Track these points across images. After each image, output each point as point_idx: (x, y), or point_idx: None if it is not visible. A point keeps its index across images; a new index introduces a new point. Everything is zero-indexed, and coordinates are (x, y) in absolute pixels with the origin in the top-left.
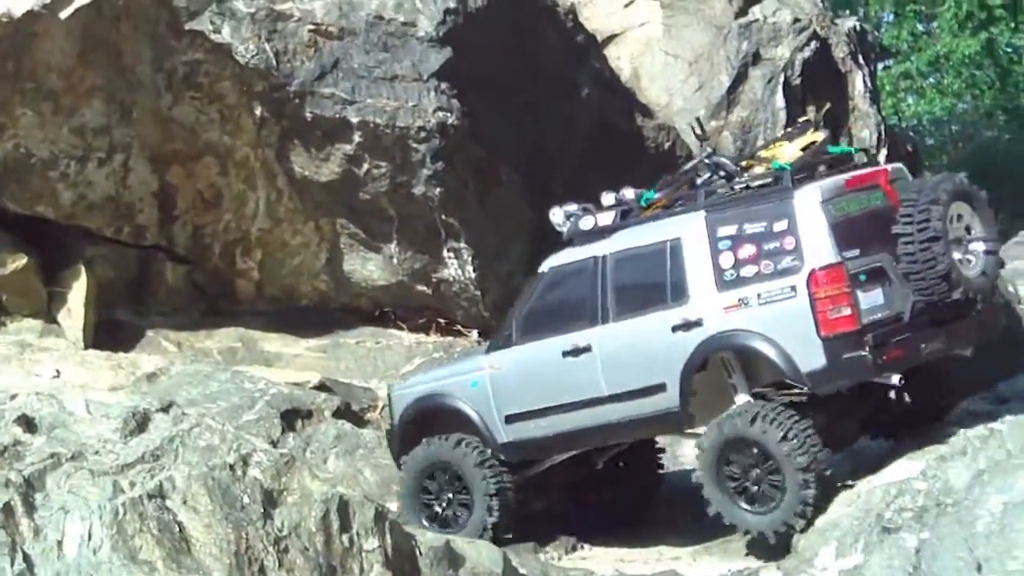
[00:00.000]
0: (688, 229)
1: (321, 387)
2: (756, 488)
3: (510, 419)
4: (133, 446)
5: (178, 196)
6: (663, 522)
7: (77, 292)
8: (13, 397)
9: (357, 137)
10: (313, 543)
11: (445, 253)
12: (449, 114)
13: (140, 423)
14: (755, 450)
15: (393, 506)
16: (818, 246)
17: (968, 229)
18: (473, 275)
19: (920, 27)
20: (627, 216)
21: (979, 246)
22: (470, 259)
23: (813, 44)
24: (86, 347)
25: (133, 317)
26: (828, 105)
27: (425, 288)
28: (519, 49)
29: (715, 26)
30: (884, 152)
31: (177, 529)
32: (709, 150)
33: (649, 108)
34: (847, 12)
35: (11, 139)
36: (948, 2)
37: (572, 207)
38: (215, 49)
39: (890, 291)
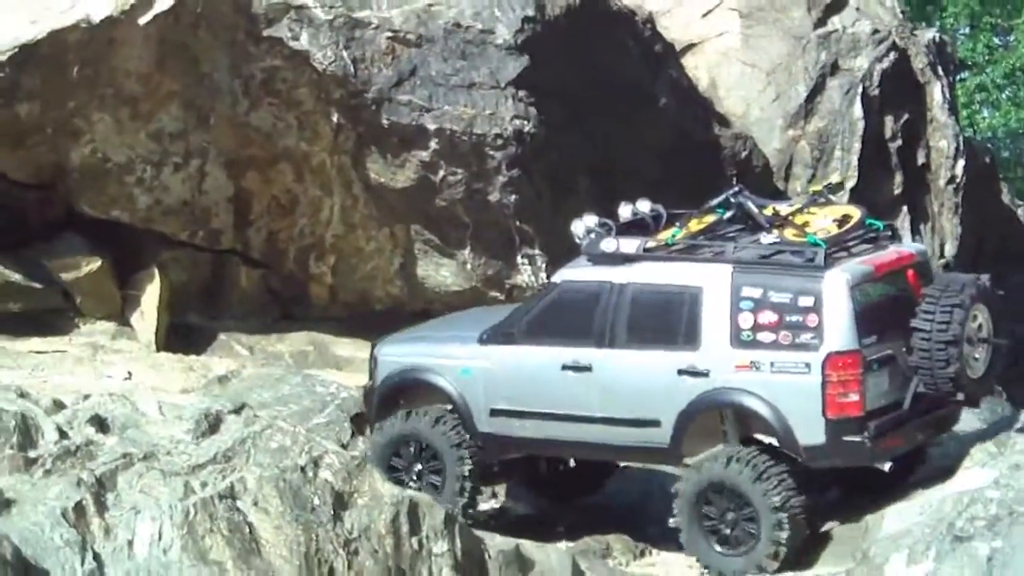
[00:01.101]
0: (713, 280)
1: None
2: (731, 531)
3: (495, 413)
4: (205, 447)
5: (253, 201)
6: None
7: (150, 295)
8: (86, 398)
9: (433, 144)
10: (383, 546)
11: (519, 259)
12: (526, 122)
13: (212, 425)
14: (731, 493)
15: None
16: (840, 330)
17: (980, 328)
18: (546, 281)
19: (996, 40)
20: (643, 231)
21: (986, 348)
22: (543, 266)
23: (892, 55)
24: (158, 349)
25: (205, 320)
26: (841, 179)
27: (498, 294)
28: (596, 57)
29: (793, 36)
30: (962, 163)
31: (247, 530)
32: (737, 187)
33: (726, 118)
34: (923, 24)
35: (88, 144)
36: None
37: (593, 221)
38: (293, 56)
39: (896, 379)
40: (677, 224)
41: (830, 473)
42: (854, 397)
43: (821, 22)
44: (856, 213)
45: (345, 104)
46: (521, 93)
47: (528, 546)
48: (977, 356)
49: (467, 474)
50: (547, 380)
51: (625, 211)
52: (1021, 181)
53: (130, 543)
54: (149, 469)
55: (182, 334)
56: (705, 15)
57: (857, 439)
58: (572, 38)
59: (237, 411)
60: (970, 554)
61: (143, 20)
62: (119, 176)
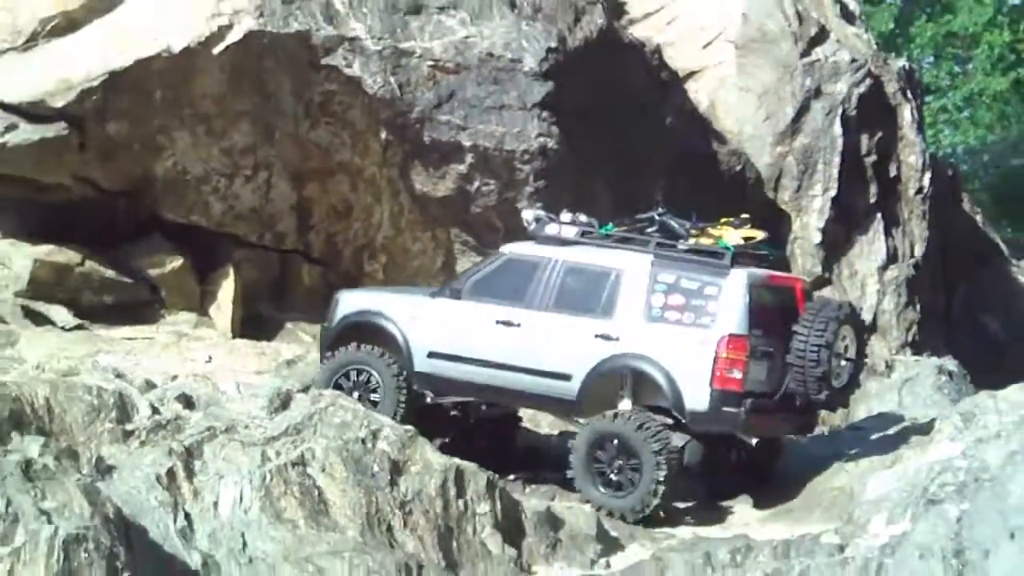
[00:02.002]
0: (634, 264)
1: None
2: (618, 476)
3: (432, 355)
4: (278, 421)
5: (314, 208)
6: (734, 492)
7: (226, 290)
8: (174, 378)
9: (469, 159)
10: (433, 507)
11: None
12: (549, 139)
13: (283, 402)
14: (617, 442)
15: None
16: (734, 318)
17: (846, 348)
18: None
19: (956, 67)
20: (581, 235)
21: (849, 365)
22: None
23: (868, 81)
24: (234, 337)
25: (274, 312)
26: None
27: None
28: (611, 82)
29: (782, 65)
30: (928, 175)
31: (316, 493)
32: (662, 209)
33: (723, 136)
34: (893, 54)
35: (170, 158)
36: (982, 45)
37: (541, 213)
38: (347, 81)
39: (772, 372)
40: (609, 223)
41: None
42: (737, 375)
43: (806, 52)
44: (760, 235)
45: (393, 123)
46: (545, 114)
47: (557, 507)
48: (840, 369)
49: (402, 400)
50: (481, 332)
51: (566, 216)
52: (979, 192)
53: (215, 504)
54: (230, 440)
55: (254, 323)
56: (705, 46)
57: (734, 410)
58: (590, 66)
59: (304, 390)
60: (941, 515)
61: (217, 50)
62: (197, 186)
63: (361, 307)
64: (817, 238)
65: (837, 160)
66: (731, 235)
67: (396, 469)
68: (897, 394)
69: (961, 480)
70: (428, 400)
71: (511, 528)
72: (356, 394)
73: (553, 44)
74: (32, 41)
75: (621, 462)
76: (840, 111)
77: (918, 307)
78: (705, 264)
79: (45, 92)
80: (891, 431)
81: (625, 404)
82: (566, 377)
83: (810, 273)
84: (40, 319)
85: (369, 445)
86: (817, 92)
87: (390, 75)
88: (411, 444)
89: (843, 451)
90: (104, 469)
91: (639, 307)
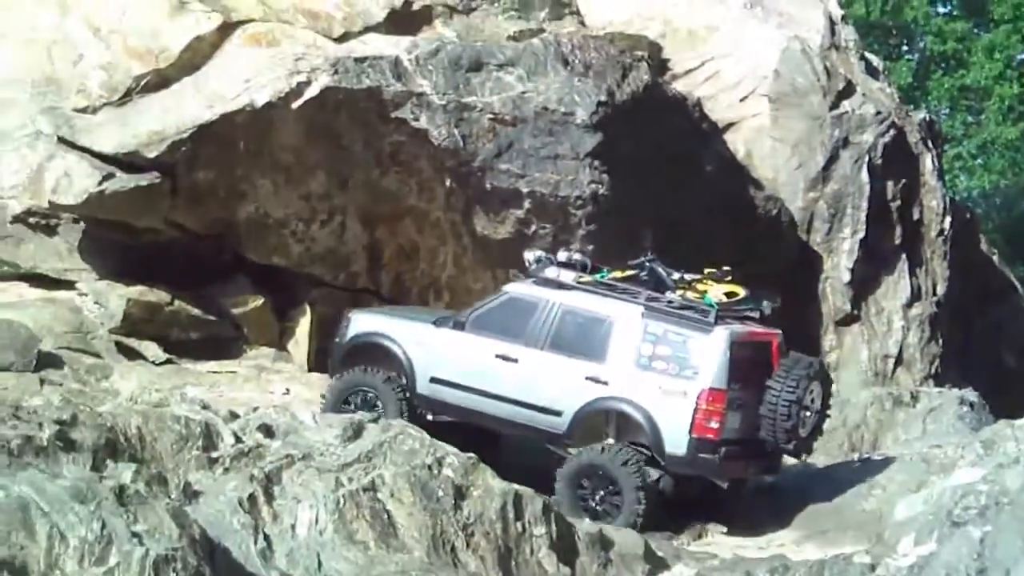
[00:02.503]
0: (626, 314)
1: None
2: (600, 505)
3: (433, 380)
4: (350, 449)
5: (384, 249)
6: (772, 514)
7: (303, 326)
8: (255, 409)
9: (527, 204)
10: (494, 529)
11: None
12: (600, 186)
13: (356, 431)
14: (602, 474)
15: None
16: (715, 372)
17: (813, 401)
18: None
19: (970, 118)
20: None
21: (815, 416)
22: None
23: (892, 132)
24: (310, 370)
25: None
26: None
27: None
28: (656, 133)
29: (812, 117)
30: (948, 219)
31: (386, 516)
32: (652, 256)
33: (759, 182)
34: (912, 107)
35: (252, 203)
36: (994, 98)
37: (540, 254)
38: (415, 133)
39: (745, 421)
40: (605, 270)
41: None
42: (715, 424)
43: (835, 105)
44: (742, 291)
45: (456, 171)
46: (596, 163)
47: (608, 529)
48: (807, 419)
49: (402, 411)
50: (481, 363)
51: (563, 255)
52: (992, 233)
53: (293, 527)
54: (307, 467)
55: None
56: (742, 100)
57: (710, 457)
58: (636, 118)
59: (375, 420)
60: (965, 537)
61: (295, 105)
62: (277, 229)
63: (372, 329)
64: (846, 277)
65: (865, 205)
66: (715, 290)
67: (459, 494)
68: (922, 423)
69: (983, 503)
70: (428, 418)
71: (565, 548)
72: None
73: (603, 98)
74: (127, 97)
75: (603, 492)
76: (867, 159)
77: (940, 341)
78: (691, 320)
79: (139, 144)
80: (917, 458)
81: (610, 441)
82: (557, 413)
83: (840, 310)
84: (132, 354)
85: (435, 471)
86: (845, 142)
87: (454, 127)
88: (473, 470)
89: (872, 477)
90: (191, 494)
91: (629, 355)
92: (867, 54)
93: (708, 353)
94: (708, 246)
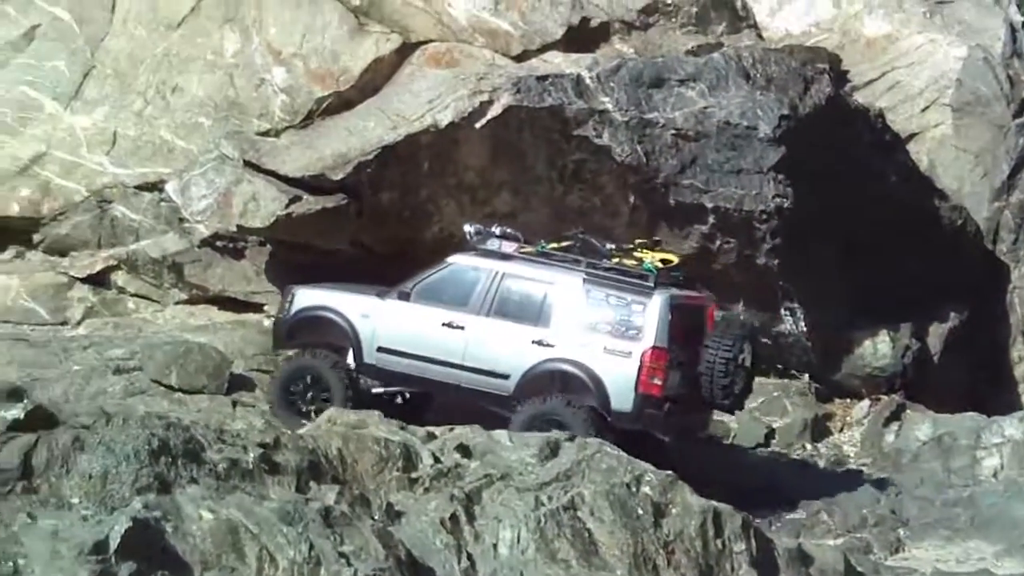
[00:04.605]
0: (568, 281)
1: None
2: None
3: (381, 350)
4: (548, 468)
5: None
6: (967, 524)
7: None
8: (451, 429)
9: (711, 219)
10: (693, 546)
11: (782, 311)
12: (784, 200)
13: (553, 450)
14: (554, 421)
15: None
16: (656, 333)
17: (744, 360)
18: (805, 329)
19: None
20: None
21: (745, 374)
22: (802, 316)
23: None
24: None
25: None
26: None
27: (765, 340)
28: (838, 145)
29: (996, 125)
30: None
31: (587, 535)
32: (582, 230)
33: (944, 193)
34: None
35: (437, 223)
36: None
37: (480, 227)
38: (597, 150)
39: (684, 379)
40: (542, 241)
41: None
42: (658, 382)
43: (1019, 114)
44: (675, 259)
45: (639, 188)
46: (780, 176)
47: (806, 544)
48: (738, 380)
49: (350, 395)
50: (428, 331)
51: (498, 231)
52: None
53: (495, 546)
54: (506, 487)
55: None
56: (924, 110)
57: (655, 412)
58: (819, 131)
59: (571, 439)
60: None
61: (479, 124)
62: (462, 249)
63: (316, 302)
64: None
65: None
66: (651, 258)
67: (658, 511)
68: None
69: None
70: (374, 391)
71: (766, 565)
72: (310, 395)
73: (785, 112)
74: (308, 119)
75: None
76: None
77: None
78: (632, 284)
79: (325, 166)
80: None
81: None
82: (504, 376)
83: None
84: None
85: (633, 489)
86: None
87: (636, 143)
88: (672, 488)
89: None
90: (393, 514)
91: (572, 319)
92: None
93: (650, 315)
94: (892, 258)
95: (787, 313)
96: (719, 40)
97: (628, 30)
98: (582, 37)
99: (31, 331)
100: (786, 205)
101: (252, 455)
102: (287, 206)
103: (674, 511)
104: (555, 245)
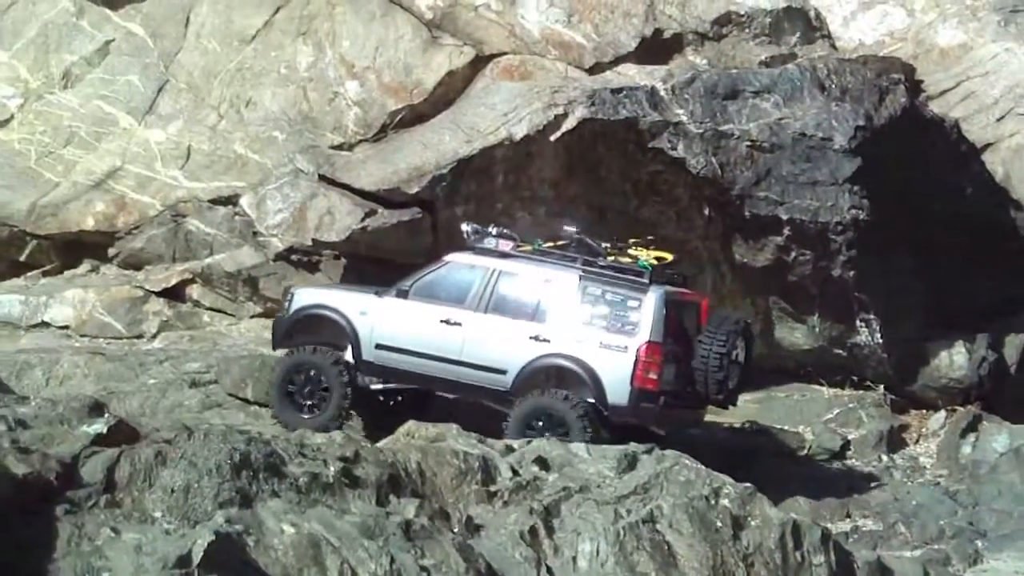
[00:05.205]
0: (564, 278)
1: (759, 431)
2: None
3: (379, 347)
4: (626, 481)
5: None
6: None
7: None
8: (529, 442)
9: (786, 231)
10: (773, 559)
11: (857, 323)
12: (860, 211)
13: (630, 463)
14: (551, 415)
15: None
16: (652, 328)
17: (738, 356)
18: (880, 341)
19: None
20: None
21: (738, 369)
22: (878, 328)
23: None
24: None
25: None
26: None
27: (841, 351)
28: (913, 156)
29: None
30: None
31: (666, 548)
32: (576, 228)
33: (1020, 203)
34: None
35: None
36: None
37: (477, 226)
38: (672, 163)
39: (679, 374)
40: (538, 239)
41: None
42: (654, 376)
43: None
44: (669, 256)
45: (714, 200)
46: (855, 188)
47: (886, 556)
48: (733, 373)
49: (348, 392)
50: (426, 328)
51: (494, 230)
52: None
53: (574, 559)
54: (585, 499)
55: None
56: (999, 120)
57: (651, 406)
58: (894, 142)
59: (648, 451)
60: None
61: (553, 137)
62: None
63: (315, 301)
64: None
65: None
66: (645, 256)
67: (737, 524)
68: None
69: None
70: (372, 388)
71: None
72: (308, 389)
73: (861, 123)
74: (381, 133)
75: (551, 432)
76: None
77: None
78: (627, 281)
79: (400, 180)
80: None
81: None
82: (502, 371)
83: None
84: None
85: (712, 502)
86: None
87: (711, 155)
88: (751, 500)
89: None
90: (473, 528)
91: (569, 315)
92: None
93: (645, 311)
94: (967, 269)
95: (862, 324)
96: (792, 51)
97: (701, 41)
98: (655, 49)
99: (107, 345)
100: (862, 217)
101: (332, 469)
102: (362, 220)
103: (753, 523)
104: (551, 244)
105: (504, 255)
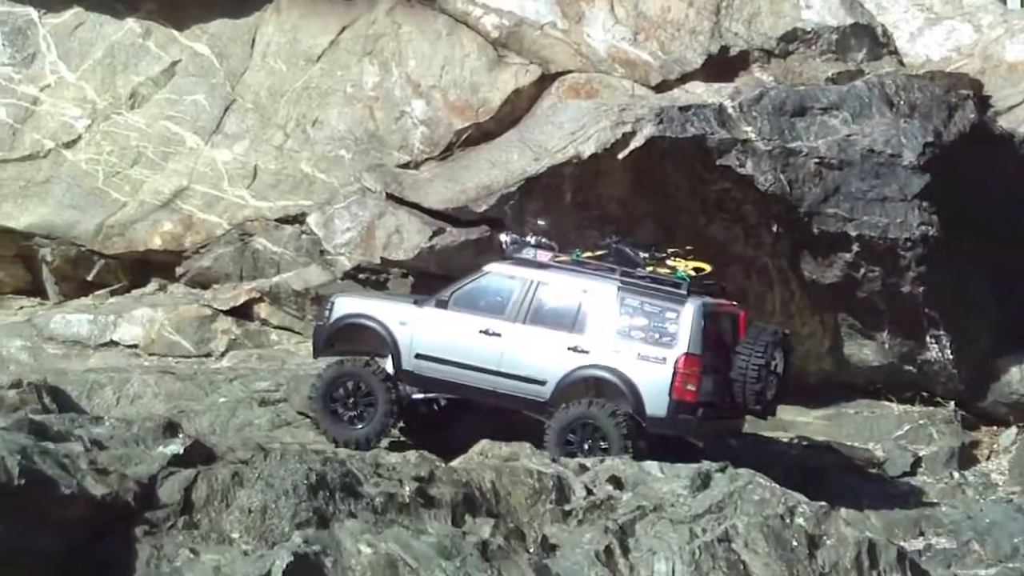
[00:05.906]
0: (603, 289)
1: (829, 448)
2: (587, 455)
3: (419, 356)
4: (700, 499)
5: None
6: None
7: None
8: (602, 461)
9: (855, 247)
10: None
11: (927, 339)
12: (930, 228)
13: (704, 481)
14: (591, 424)
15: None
16: (690, 339)
17: (776, 367)
18: (951, 357)
19: None
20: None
21: (777, 380)
22: (948, 344)
23: None
24: None
25: None
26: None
27: (911, 368)
28: (983, 172)
29: None
30: None
31: (742, 567)
32: (617, 239)
33: None
34: None
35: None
36: None
37: (516, 236)
38: (740, 180)
39: (717, 385)
40: (577, 250)
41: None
42: (692, 387)
43: None
44: (707, 267)
45: (783, 217)
46: (925, 204)
47: (962, 575)
48: (771, 384)
49: (393, 399)
50: (465, 338)
51: (533, 240)
52: None
53: None
54: (659, 518)
55: None
56: None
57: (689, 417)
58: (963, 158)
59: (722, 470)
60: None
61: (621, 155)
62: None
63: (355, 310)
64: None
65: None
66: (684, 266)
67: (812, 543)
68: None
69: None
70: (413, 397)
71: None
72: (352, 400)
73: (930, 139)
74: (448, 151)
75: (591, 442)
76: None
77: None
78: (665, 292)
79: (468, 199)
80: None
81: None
82: (541, 382)
83: None
84: None
85: (787, 520)
86: None
87: (780, 173)
88: (826, 519)
89: None
90: (548, 547)
91: (608, 326)
92: None
93: (684, 322)
94: None
95: (932, 341)
96: (859, 67)
97: (768, 58)
98: (721, 66)
99: (176, 363)
100: (931, 233)
101: (408, 489)
102: (431, 238)
103: (828, 542)
104: (589, 254)
105: (543, 265)
